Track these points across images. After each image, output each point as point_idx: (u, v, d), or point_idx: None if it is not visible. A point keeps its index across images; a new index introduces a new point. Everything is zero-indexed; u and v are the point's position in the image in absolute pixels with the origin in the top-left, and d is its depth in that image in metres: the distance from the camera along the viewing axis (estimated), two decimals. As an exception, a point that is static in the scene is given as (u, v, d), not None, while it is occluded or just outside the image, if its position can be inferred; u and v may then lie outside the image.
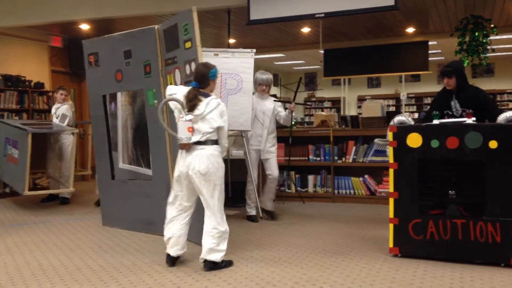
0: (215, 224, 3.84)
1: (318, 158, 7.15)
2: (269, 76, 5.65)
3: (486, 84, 14.69)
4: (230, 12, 7.99)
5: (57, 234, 5.35)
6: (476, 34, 8.54)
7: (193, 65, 4.36)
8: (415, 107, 17.22)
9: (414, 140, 4.05)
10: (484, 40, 8.58)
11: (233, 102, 5.42)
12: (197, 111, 3.83)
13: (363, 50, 10.63)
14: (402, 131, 4.12)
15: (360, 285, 3.47)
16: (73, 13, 8.10)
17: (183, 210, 3.99)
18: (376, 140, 4.93)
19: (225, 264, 3.95)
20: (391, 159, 4.14)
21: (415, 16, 9.18)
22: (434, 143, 3.98)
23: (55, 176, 7.17)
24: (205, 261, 3.87)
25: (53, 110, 7.46)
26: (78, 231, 5.48)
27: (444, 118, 4.42)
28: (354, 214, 6.12)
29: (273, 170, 5.67)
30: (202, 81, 3.93)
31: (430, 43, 10.71)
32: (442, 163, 4.01)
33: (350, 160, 6.99)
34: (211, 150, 3.84)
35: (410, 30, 10.33)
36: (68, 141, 7.10)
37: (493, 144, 3.81)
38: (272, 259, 4.17)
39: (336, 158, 7.07)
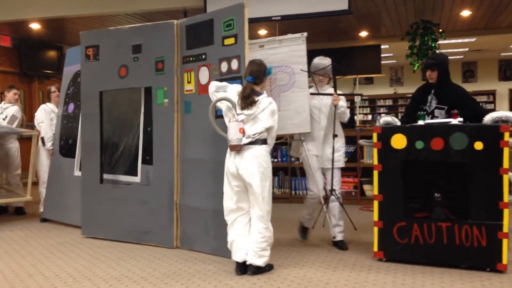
0: (261, 228, 3.74)
1: (276, 160, 7.21)
2: (327, 62, 4.52)
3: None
4: (186, 14, 7.95)
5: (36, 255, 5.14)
6: (426, 38, 8.87)
7: (234, 62, 4.20)
8: (368, 109, 17.65)
9: (399, 141, 3.92)
10: (433, 44, 8.92)
11: (286, 101, 4.48)
12: (249, 111, 3.73)
13: (318, 53, 10.80)
14: (387, 132, 3.98)
15: None
16: (23, 12, 7.85)
17: (242, 212, 3.83)
18: (360, 141, 4.77)
19: (268, 268, 3.87)
20: (375, 161, 4.00)
21: (368, 21, 9.43)
22: (419, 144, 3.85)
23: (1, 186, 6.58)
24: (250, 265, 3.78)
25: None
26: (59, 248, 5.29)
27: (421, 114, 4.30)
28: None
29: (334, 183, 4.47)
30: (258, 77, 3.81)
31: (382, 46, 11.03)
32: (427, 165, 3.88)
33: (307, 161, 7.07)
34: (260, 150, 3.74)
35: (363, 34, 10.59)
36: (15, 146, 6.49)
37: (478, 146, 3.69)
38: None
39: (293, 159, 7.15)
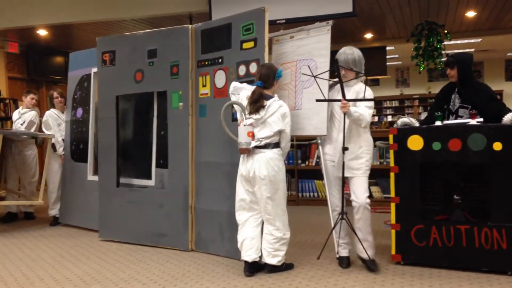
0: (271, 229, 3.80)
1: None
2: (350, 53, 3.92)
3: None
4: (191, 18, 8.00)
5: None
6: (431, 39, 8.87)
7: (253, 66, 4.23)
8: (375, 110, 17.62)
9: (415, 143, 3.87)
10: (438, 45, 8.91)
11: (308, 98, 4.18)
12: (257, 115, 3.76)
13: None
14: (403, 133, 3.93)
15: None
16: (30, 19, 7.94)
17: (254, 212, 3.90)
18: (377, 143, 4.65)
19: (285, 267, 3.91)
20: (391, 163, 3.95)
21: (372, 22, 9.43)
22: (436, 146, 3.80)
23: (14, 191, 6.43)
24: (266, 263, 3.86)
25: (15, 115, 6.41)
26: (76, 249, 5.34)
27: (444, 113, 4.30)
28: (325, 219, 6.20)
29: (357, 194, 3.84)
30: (267, 81, 3.83)
31: (387, 48, 11.02)
32: (445, 166, 3.83)
33: (313, 164, 7.11)
34: (271, 154, 3.77)
35: (368, 35, 10.60)
36: (33, 153, 6.43)
37: (497, 146, 3.62)
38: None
39: (299, 161, 7.18)
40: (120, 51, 5.19)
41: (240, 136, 3.78)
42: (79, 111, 6.09)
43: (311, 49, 4.22)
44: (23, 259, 4.61)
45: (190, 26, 4.74)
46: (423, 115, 15.72)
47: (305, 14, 6.22)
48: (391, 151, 3.97)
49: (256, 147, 3.77)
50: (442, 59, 9.05)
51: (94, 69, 5.78)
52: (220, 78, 4.52)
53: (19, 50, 9.88)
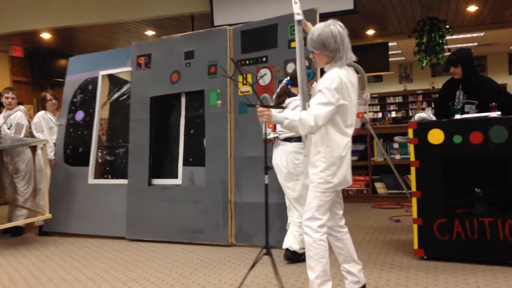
0: (298, 215, 3.94)
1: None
2: (314, 32, 2.86)
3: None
4: (193, 19, 8.05)
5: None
6: (433, 35, 8.88)
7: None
8: (378, 106, 17.63)
9: (436, 137, 3.83)
10: (440, 41, 8.92)
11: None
12: (277, 110, 3.86)
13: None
14: (423, 127, 3.89)
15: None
16: (33, 23, 8.01)
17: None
18: (395, 138, 4.71)
19: (303, 258, 3.97)
20: (412, 157, 3.93)
21: (374, 19, 9.45)
22: (457, 139, 3.76)
23: (13, 202, 5.86)
24: (287, 250, 3.97)
25: (0, 120, 5.91)
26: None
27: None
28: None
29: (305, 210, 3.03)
30: (294, 79, 3.90)
31: (390, 44, 11.04)
32: (466, 159, 3.81)
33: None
34: (291, 147, 3.95)
35: (370, 32, 10.61)
36: (26, 157, 5.86)
37: None
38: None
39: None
40: (156, 54, 5.35)
41: (263, 127, 3.99)
42: (79, 114, 6.00)
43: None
44: (33, 260, 4.67)
45: (228, 27, 4.93)
46: (427, 111, 15.70)
47: (306, 12, 6.24)
48: (411, 146, 3.94)
49: (278, 139, 3.99)
50: (445, 54, 9.06)
51: (103, 72, 5.85)
52: (265, 77, 4.70)
53: (23, 54, 9.97)
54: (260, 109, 2.83)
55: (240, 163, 4.77)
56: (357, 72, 2.89)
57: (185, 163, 5.30)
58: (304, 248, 3.81)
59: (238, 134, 4.81)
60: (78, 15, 7.77)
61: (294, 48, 4.27)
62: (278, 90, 4.09)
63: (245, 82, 4.75)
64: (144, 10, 7.56)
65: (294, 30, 4.34)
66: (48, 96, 6.04)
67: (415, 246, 3.92)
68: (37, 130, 5.84)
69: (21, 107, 6.08)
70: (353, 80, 2.84)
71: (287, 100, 3.97)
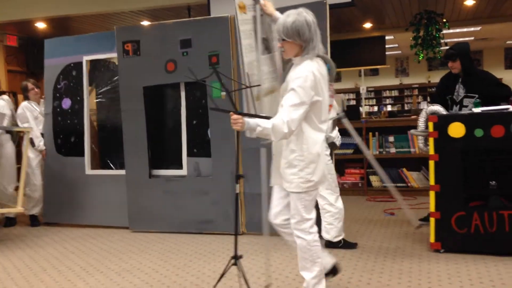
0: (324, 205, 4.04)
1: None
2: (281, 21, 2.67)
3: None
4: (190, 9, 8.00)
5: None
6: (430, 28, 8.87)
7: None
8: (374, 100, 17.63)
9: (457, 130, 3.83)
10: (437, 34, 8.91)
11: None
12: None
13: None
14: (444, 120, 3.88)
15: (399, 282, 3.31)
16: (28, 12, 7.93)
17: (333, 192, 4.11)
18: (412, 131, 4.68)
19: (342, 245, 4.10)
20: (431, 151, 3.91)
21: (371, 12, 9.42)
22: (478, 132, 3.77)
23: None
24: (323, 239, 4.01)
25: None
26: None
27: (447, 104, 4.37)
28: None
29: (290, 211, 2.82)
30: None
31: (387, 37, 11.01)
32: (487, 153, 3.81)
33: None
34: None
35: (368, 25, 10.59)
36: (9, 147, 5.65)
37: None
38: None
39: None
40: (146, 41, 5.11)
41: None
42: (66, 102, 5.76)
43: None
44: (26, 250, 4.66)
45: (229, 15, 4.74)
46: (423, 104, 15.72)
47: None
48: (431, 139, 3.93)
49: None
50: (441, 48, 9.06)
51: (87, 57, 5.62)
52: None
53: (18, 43, 9.89)
54: (235, 116, 2.59)
55: (247, 155, 4.64)
56: (325, 63, 2.76)
57: (189, 154, 5.22)
58: (336, 237, 4.06)
59: None
60: (74, 4, 7.70)
61: None
62: None
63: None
64: (141, 1, 7.50)
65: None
66: (30, 85, 5.85)
67: (432, 239, 3.95)
68: (22, 121, 5.65)
69: (5, 96, 5.88)
70: (324, 72, 2.70)
71: None
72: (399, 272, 3.53)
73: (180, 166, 5.24)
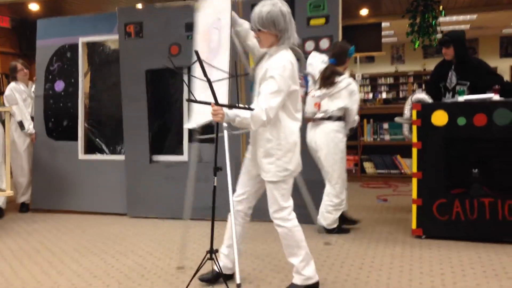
0: (329, 194, 4.11)
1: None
2: (257, 10, 2.65)
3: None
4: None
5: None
6: (426, 16, 8.84)
7: (324, 42, 4.46)
8: (369, 87, 17.62)
9: (440, 118, 3.87)
10: (434, 22, 8.88)
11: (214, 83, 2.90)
12: (327, 90, 3.97)
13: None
14: (427, 108, 3.92)
15: (390, 267, 3.34)
16: (21, -8, 7.84)
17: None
18: (396, 119, 4.72)
19: (337, 230, 4.19)
20: (414, 138, 3.96)
21: (368, -2, 9.37)
22: (461, 121, 3.81)
23: None
24: (319, 224, 4.13)
25: None
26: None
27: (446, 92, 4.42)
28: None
29: (268, 201, 2.84)
30: (340, 58, 4.03)
31: (383, 24, 10.96)
32: (469, 141, 3.86)
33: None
34: (333, 126, 4.04)
35: (364, 12, 10.54)
36: None
37: None
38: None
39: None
40: (149, 23, 5.02)
41: (307, 105, 4.07)
42: (59, 84, 5.64)
43: (215, 5, 3.28)
44: (20, 232, 4.65)
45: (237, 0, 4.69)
46: (418, 92, 15.71)
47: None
48: (414, 127, 3.97)
49: (321, 118, 4.04)
50: (437, 36, 9.04)
51: (83, 39, 5.51)
52: None
53: (11, 25, 9.77)
54: (215, 107, 2.56)
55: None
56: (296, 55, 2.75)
57: (190, 140, 5.10)
58: (331, 225, 4.13)
59: None
60: (67, -14, 7.61)
61: (315, 26, 4.42)
62: (323, 70, 4.04)
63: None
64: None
65: (315, 7, 4.35)
66: (19, 66, 5.65)
67: (413, 226, 4.00)
68: (10, 103, 5.46)
69: None
70: (295, 62, 2.71)
71: (338, 79, 3.98)
72: (391, 257, 3.56)
73: (181, 152, 5.18)
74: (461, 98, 3.95)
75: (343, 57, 4.04)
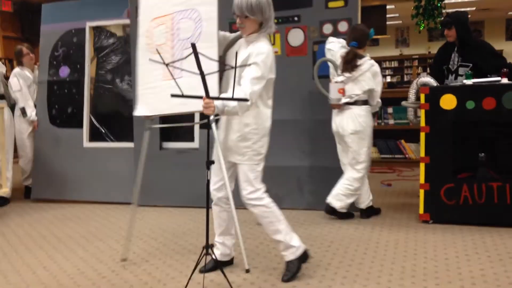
0: (350, 177, 4.07)
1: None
2: (248, 0, 2.70)
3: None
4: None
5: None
6: (432, -2, 8.74)
7: (342, 24, 4.42)
8: (373, 71, 17.51)
9: (448, 102, 3.84)
10: (439, 4, 8.79)
11: (192, 61, 2.61)
12: (350, 73, 3.95)
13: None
14: (435, 92, 3.88)
15: (394, 252, 3.34)
16: (23, -24, 7.77)
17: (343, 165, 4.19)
18: (403, 103, 4.66)
19: (346, 215, 4.19)
20: (422, 122, 3.93)
21: (373, -20, 9.26)
22: (470, 104, 3.78)
23: None
24: (328, 204, 4.10)
25: None
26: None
27: (448, 74, 4.40)
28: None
29: (240, 187, 2.95)
30: (362, 41, 4.00)
31: (387, 7, 10.85)
32: (478, 125, 3.83)
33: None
34: (359, 110, 4.00)
35: (369, -6, 10.42)
36: (5, 113, 5.26)
37: None
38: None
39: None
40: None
41: (331, 92, 4.01)
42: (64, 70, 5.50)
43: None
44: (26, 218, 4.69)
45: None
46: (423, 75, 15.62)
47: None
48: (422, 111, 3.95)
49: (346, 103, 3.99)
50: (443, 18, 8.95)
51: (90, 23, 5.38)
52: (296, 36, 4.59)
53: (13, 9, 9.72)
54: (207, 100, 2.56)
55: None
56: None
57: (201, 126, 4.98)
58: (343, 208, 4.10)
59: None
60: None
61: (334, 8, 4.38)
62: (345, 54, 3.98)
63: (273, 42, 4.54)
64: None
65: None
66: (25, 50, 5.51)
67: (421, 210, 4.00)
68: (14, 89, 5.35)
69: None
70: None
71: (360, 62, 3.95)
72: (395, 242, 3.57)
73: (192, 139, 5.08)
74: (469, 82, 3.91)
75: (364, 40, 4.02)
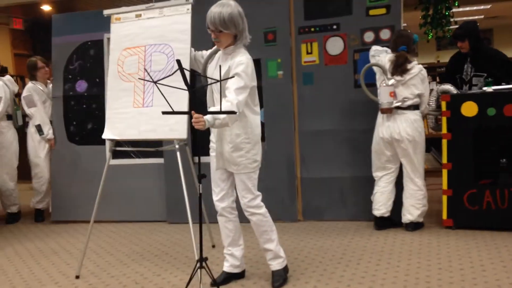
0: (418, 186, 4.02)
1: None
2: (217, 11, 2.79)
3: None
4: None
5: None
6: (439, 6, 8.72)
7: (385, 32, 4.38)
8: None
9: (469, 109, 3.89)
10: (447, 13, 8.76)
11: (164, 93, 2.88)
12: (400, 77, 3.95)
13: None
14: (456, 100, 3.95)
15: (408, 263, 3.31)
16: (34, -6, 7.89)
17: (389, 171, 4.11)
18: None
19: (420, 225, 4.12)
20: (444, 129, 3.99)
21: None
22: (491, 111, 3.83)
23: None
24: (410, 222, 4.05)
25: None
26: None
27: (462, 84, 4.39)
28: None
29: (239, 196, 3.01)
30: (409, 45, 4.02)
31: (395, 16, 10.84)
32: (500, 132, 3.87)
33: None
34: (414, 116, 3.97)
35: (376, 4, 10.42)
36: (10, 134, 5.13)
37: None
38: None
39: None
40: (194, 16, 4.69)
41: (382, 96, 3.98)
42: (81, 84, 5.17)
43: (165, 32, 3.43)
44: (36, 232, 4.70)
45: None
46: (432, 85, 15.55)
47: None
48: (444, 118, 3.99)
49: (398, 108, 3.95)
50: (451, 27, 8.92)
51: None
52: (335, 45, 4.52)
53: (24, 27, 9.87)
54: (196, 115, 2.58)
55: (305, 137, 4.59)
56: None
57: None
58: (421, 216, 4.06)
59: (302, 106, 4.59)
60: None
61: (375, 15, 4.38)
62: (395, 58, 3.98)
63: (309, 51, 4.53)
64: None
65: None
66: (40, 63, 5.23)
67: (444, 216, 4.03)
68: (29, 106, 5.09)
69: (4, 77, 5.22)
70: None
71: (409, 65, 3.95)
72: (408, 253, 3.54)
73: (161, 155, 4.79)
74: (489, 89, 3.93)
75: (411, 44, 4.04)
